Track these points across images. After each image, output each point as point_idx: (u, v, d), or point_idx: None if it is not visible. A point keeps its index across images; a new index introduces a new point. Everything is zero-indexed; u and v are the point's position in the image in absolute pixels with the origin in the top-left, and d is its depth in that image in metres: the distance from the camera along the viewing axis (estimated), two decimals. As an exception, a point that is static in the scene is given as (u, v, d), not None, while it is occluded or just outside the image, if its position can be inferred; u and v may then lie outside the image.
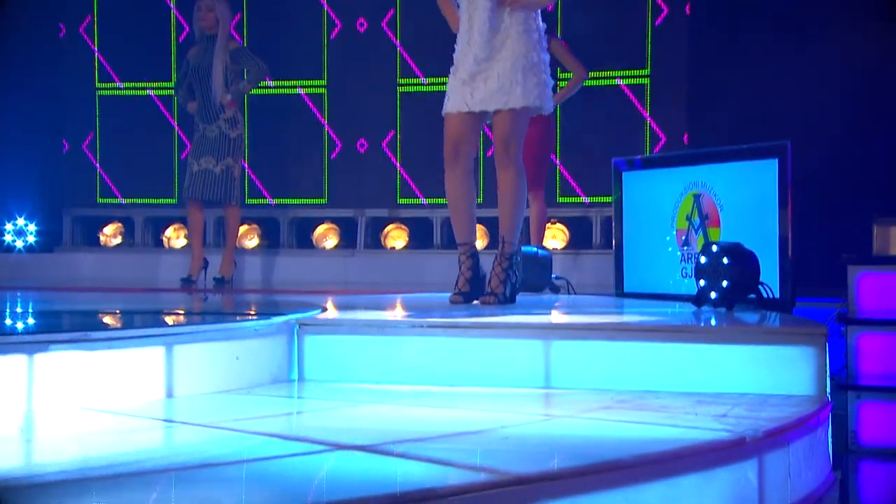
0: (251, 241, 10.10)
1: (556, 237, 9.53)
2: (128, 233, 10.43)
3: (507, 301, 5.53)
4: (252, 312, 4.56)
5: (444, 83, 5.66)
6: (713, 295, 5.08)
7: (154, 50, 10.42)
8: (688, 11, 9.34)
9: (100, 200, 10.49)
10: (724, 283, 5.03)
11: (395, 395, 4.00)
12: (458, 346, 4.24)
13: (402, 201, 10.14)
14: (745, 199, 5.78)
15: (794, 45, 8.79)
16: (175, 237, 10.26)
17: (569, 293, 6.74)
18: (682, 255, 6.08)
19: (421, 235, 10.11)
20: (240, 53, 8.64)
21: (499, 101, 5.40)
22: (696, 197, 6.01)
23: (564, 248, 9.47)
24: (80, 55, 10.71)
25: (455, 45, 5.56)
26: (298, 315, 4.40)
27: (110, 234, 10.41)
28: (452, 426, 3.24)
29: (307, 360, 4.33)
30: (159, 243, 10.34)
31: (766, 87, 8.93)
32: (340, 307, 5.33)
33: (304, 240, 10.31)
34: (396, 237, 10.06)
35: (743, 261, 5.07)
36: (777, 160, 5.54)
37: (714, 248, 5.16)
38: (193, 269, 8.56)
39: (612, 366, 4.04)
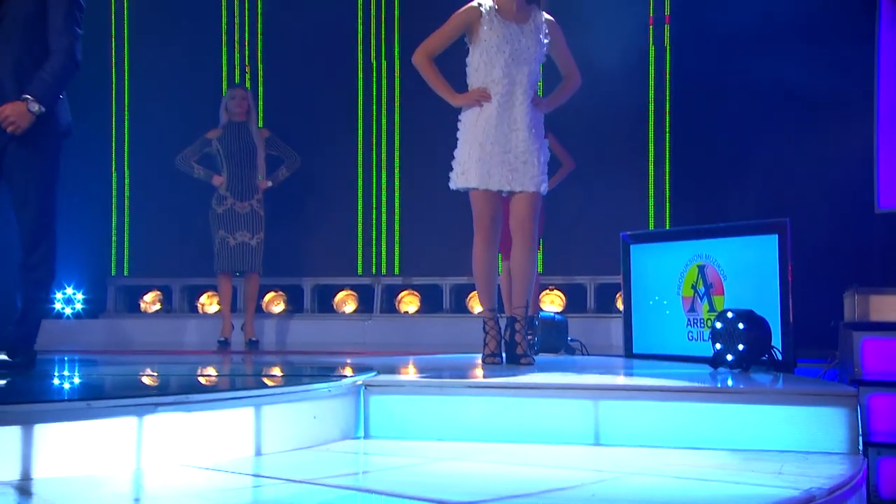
0: (277, 307, 10.00)
1: (553, 302, 9.48)
2: (165, 300, 10.34)
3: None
4: (324, 375, 4.43)
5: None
6: (729, 357, 5.02)
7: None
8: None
9: (128, 273, 10.45)
10: (741, 347, 4.97)
11: (462, 451, 3.93)
12: (513, 405, 4.21)
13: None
14: (748, 269, 5.74)
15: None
16: (208, 304, 10.15)
17: (583, 354, 6.65)
18: (688, 319, 6.04)
19: (431, 301, 10.03)
20: (274, 141, 8.70)
21: (524, 184, 5.38)
22: (701, 268, 5.98)
23: (561, 312, 9.40)
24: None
25: (465, 121, 5.51)
26: (364, 376, 4.34)
27: (150, 301, 10.32)
28: (535, 484, 3.16)
29: (372, 418, 4.27)
30: (194, 309, 10.24)
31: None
32: (392, 369, 5.23)
33: (325, 305, 10.20)
34: (409, 302, 9.98)
35: (757, 326, 5.04)
36: (777, 235, 5.52)
37: (729, 314, 5.11)
38: (226, 332, 8.49)
39: (658, 424, 3.98)
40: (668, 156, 9.47)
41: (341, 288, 10.21)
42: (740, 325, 5.01)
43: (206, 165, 8.82)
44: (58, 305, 10.08)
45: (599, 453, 3.89)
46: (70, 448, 3.21)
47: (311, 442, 3.91)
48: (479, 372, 5.12)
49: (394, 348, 8.47)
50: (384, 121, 10.24)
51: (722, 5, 9.15)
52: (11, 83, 4.72)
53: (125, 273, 10.63)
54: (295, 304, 10.12)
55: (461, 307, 9.87)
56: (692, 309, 6.01)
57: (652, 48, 9.70)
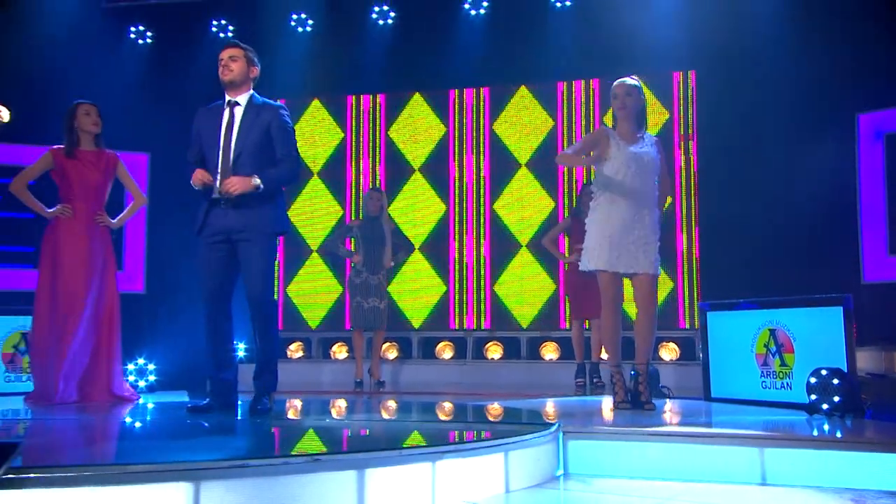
0: (391, 354, 9.74)
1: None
2: (306, 348, 10.08)
3: None
4: (539, 423, 4.14)
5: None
6: (825, 406, 4.72)
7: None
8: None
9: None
10: (836, 399, 4.67)
11: (645, 487, 3.66)
12: (687, 449, 3.89)
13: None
14: (815, 333, 5.42)
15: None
16: (339, 352, 9.90)
17: (670, 398, 6.30)
18: (762, 371, 5.72)
19: (511, 349, 9.76)
20: (396, 233, 8.53)
21: (646, 267, 5.14)
22: (772, 331, 5.69)
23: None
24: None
25: (597, 215, 5.26)
26: (560, 425, 4.02)
27: (294, 350, 10.06)
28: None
29: (570, 460, 3.95)
30: (328, 356, 9.93)
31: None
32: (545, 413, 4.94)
33: (428, 353, 9.95)
34: (494, 350, 9.71)
35: (848, 382, 4.75)
36: (842, 308, 5.23)
37: (823, 371, 4.81)
38: (360, 375, 8.23)
39: (816, 467, 3.66)
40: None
41: (441, 339, 9.96)
42: (835, 381, 4.73)
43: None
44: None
45: (766, 493, 3.60)
46: (389, 486, 3.01)
47: (536, 480, 3.63)
48: (614, 415, 4.92)
49: (485, 388, 8.23)
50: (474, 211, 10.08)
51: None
52: (255, 205, 4.60)
53: (316, 324, 10.38)
54: (405, 351, 9.86)
55: (535, 355, 9.62)
56: (765, 363, 5.70)
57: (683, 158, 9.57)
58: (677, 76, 9.73)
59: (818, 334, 5.39)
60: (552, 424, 3.90)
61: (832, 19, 8.60)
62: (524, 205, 10.00)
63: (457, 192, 10.14)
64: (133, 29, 10.26)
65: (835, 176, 8.83)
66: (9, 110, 10.26)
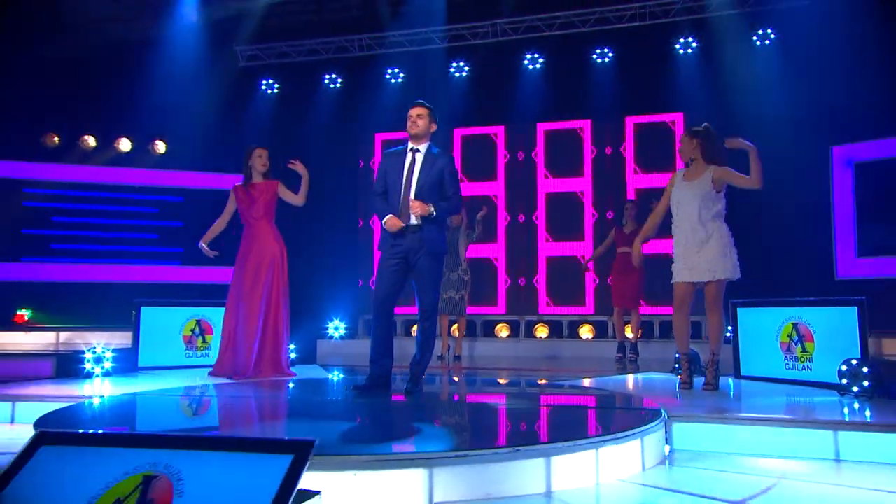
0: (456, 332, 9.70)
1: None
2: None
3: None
4: (653, 410, 4.03)
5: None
6: (855, 389, 4.73)
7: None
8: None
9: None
10: (866, 384, 4.69)
11: (739, 461, 3.63)
12: (771, 431, 3.82)
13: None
14: (833, 326, 5.39)
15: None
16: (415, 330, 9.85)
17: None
18: (785, 356, 5.71)
19: (556, 329, 9.75)
20: (469, 237, 8.42)
21: (713, 276, 5.01)
22: (795, 324, 5.68)
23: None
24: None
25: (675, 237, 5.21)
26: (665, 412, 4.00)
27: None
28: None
29: (675, 440, 3.91)
30: (409, 333, 10.00)
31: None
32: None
33: (488, 332, 9.96)
34: (541, 330, 9.71)
35: (876, 369, 4.73)
36: (857, 308, 5.21)
37: (854, 361, 4.83)
38: (444, 350, 8.21)
39: (881, 447, 3.64)
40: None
41: (499, 322, 9.97)
42: (864, 369, 4.74)
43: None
44: (334, 333, 9.82)
45: (841, 467, 3.60)
46: (567, 469, 3.02)
47: (659, 459, 3.64)
48: (697, 398, 4.82)
49: (536, 363, 8.22)
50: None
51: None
52: (431, 231, 4.71)
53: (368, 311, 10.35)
54: (470, 331, 9.83)
55: (574, 334, 9.61)
56: (788, 349, 5.70)
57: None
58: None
59: (836, 328, 5.37)
60: (662, 412, 3.88)
61: (811, 69, 8.58)
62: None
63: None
64: (264, 82, 10.43)
65: (813, 197, 8.85)
66: (164, 144, 10.35)
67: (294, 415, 4.21)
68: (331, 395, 5.09)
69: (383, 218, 4.74)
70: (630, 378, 6.34)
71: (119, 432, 2.91)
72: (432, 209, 4.63)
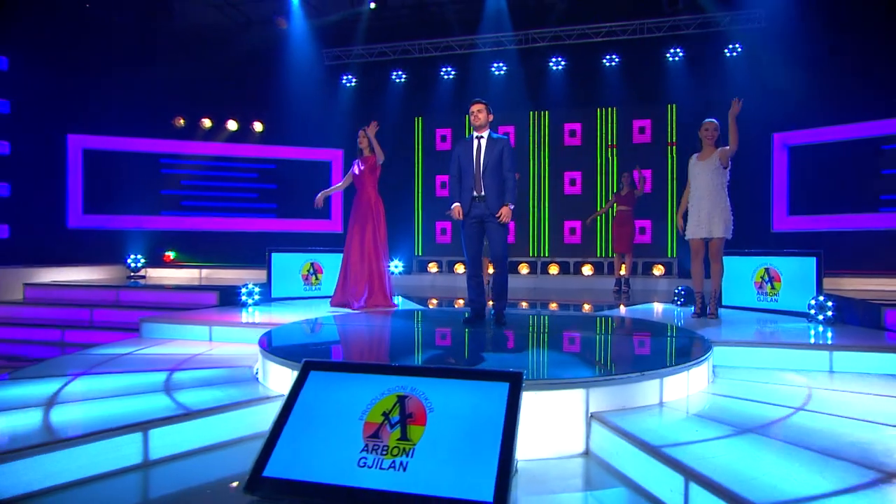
0: (491, 270, 9.66)
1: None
2: (440, 266, 10.10)
3: None
4: (702, 338, 3.92)
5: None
6: (820, 317, 4.85)
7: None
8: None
9: (421, 253, 10.21)
10: (830, 314, 4.82)
11: (765, 374, 3.66)
12: (783, 352, 3.93)
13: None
14: (795, 271, 5.47)
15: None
16: (459, 269, 9.91)
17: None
18: (758, 292, 5.76)
19: (565, 268, 9.84)
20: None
21: (712, 232, 5.07)
22: (767, 269, 5.71)
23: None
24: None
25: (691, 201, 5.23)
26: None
27: (432, 268, 10.07)
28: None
29: (716, 363, 3.90)
30: (453, 271, 9.97)
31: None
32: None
33: (513, 269, 9.97)
34: (553, 269, 9.80)
35: (838, 303, 4.85)
36: (816, 259, 5.28)
37: (821, 297, 4.94)
38: (486, 283, 8.15)
39: (862, 361, 3.77)
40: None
41: (522, 262, 10.00)
42: (829, 304, 4.85)
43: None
44: (392, 268, 9.80)
45: (834, 377, 3.71)
46: (676, 385, 3.10)
47: (713, 377, 3.65)
48: (701, 324, 4.81)
49: (554, 294, 8.21)
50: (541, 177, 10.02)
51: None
52: (495, 198, 4.50)
53: (420, 253, 10.37)
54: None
55: (577, 271, 9.71)
56: (761, 287, 5.74)
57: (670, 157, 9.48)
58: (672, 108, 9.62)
59: (798, 272, 5.47)
60: (706, 339, 3.89)
61: (764, 74, 8.54)
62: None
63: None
64: (344, 77, 10.13)
65: (758, 170, 8.88)
66: (262, 124, 10.12)
67: (455, 343, 3.98)
68: (454, 326, 4.72)
69: (452, 203, 4.58)
70: (655, 307, 6.19)
71: (370, 363, 2.96)
72: (511, 206, 4.45)
